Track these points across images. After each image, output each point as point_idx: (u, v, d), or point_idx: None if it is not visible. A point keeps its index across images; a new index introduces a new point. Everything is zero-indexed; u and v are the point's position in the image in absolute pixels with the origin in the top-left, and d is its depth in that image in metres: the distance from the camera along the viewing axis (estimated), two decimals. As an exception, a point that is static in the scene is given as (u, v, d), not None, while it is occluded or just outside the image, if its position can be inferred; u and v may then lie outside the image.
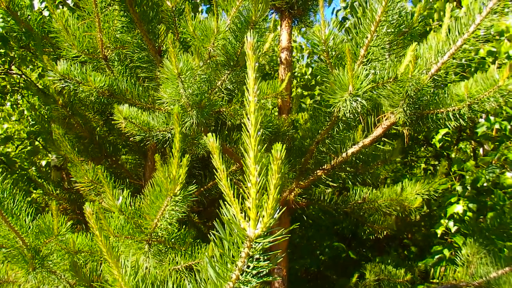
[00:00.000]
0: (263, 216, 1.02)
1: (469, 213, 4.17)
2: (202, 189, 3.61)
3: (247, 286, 1.10)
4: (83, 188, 3.30)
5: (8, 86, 7.44)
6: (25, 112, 7.89)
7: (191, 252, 2.07)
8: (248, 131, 1.04)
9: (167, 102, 2.25)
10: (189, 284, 1.24)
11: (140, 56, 2.72)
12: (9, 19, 3.44)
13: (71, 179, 4.35)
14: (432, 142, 6.25)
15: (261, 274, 1.10)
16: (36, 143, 7.27)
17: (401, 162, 7.05)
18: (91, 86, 2.71)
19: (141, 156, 4.19)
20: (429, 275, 3.77)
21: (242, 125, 1.06)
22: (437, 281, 3.36)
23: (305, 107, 6.93)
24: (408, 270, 3.78)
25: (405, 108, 2.53)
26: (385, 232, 3.78)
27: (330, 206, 3.61)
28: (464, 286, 3.18)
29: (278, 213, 1.03)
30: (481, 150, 5.54)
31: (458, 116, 2.54)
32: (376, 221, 3.72)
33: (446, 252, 3.93)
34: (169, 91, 2.15)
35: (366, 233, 3.85)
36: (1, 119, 7.96)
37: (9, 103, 7.92)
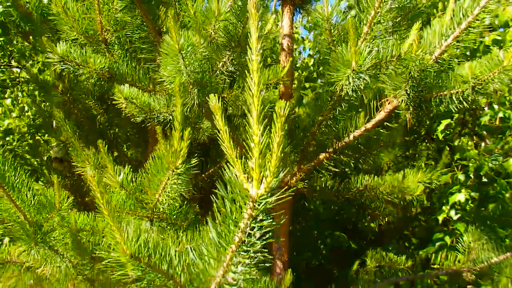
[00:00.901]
0: (266, 176, 1.00)
1: (471, 204, 4.16)
2: (203, 175, 3.59)
3: (250, 248, 1.08)
4: (84, 173, 3.28)
5: (7, 80, 7.41)
6: (26, 108, 7.87)
7: (193, 229, 2.05)
8: (251, 91, 1.02)
9: (167, 81, 2.23)
10: (191, 250, 1.22)
11: (140, 36, 2.69)
12: (8, 3, 3.42)
13: (72, 169, 4.34)
14: (434, 136, 6.24)
15: (265, 237, 1.09)
16: (37, 137, 7.26)
17: (402, 156, 7.03)
18: (91, 68, 2.69)
19: (142, 145, 4.18)
20: (430, 263, 3.76)
21: (246, 88, 1.04)
22: (438, 266, 3.34)
23: (307, 102, 6.90)
24: (409, 257, 3.76)
25: (408, 91, 2.51)
26: (386, 219, 3.77)
27: (332, 193, 3.59)
28: (465, 272, 3.17)
29: (282, 173, 1.01)
30: (482, 144, 5.52)
31: (461, 99, 2.52)
32: (378, 208, 3.71)
33: (448, 239, 3.91)
34: (169, 68, 2.13)
35: (367, 224, 3.84)
36: (2, 115, 7.94)
37: (9, 100, 7.89)
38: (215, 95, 1.07)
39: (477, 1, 2.38)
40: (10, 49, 6.78)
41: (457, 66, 2.53)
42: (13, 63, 7.10)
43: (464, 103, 2.52)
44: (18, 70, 7.31)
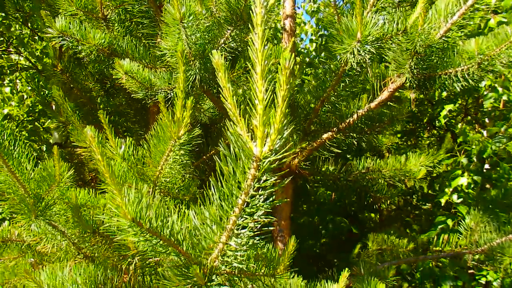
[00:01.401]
0: (271, 133, 0.96)
1: (473, 191, 4.14)
2: (204, 157, 3.56)
3: (254, 211, 1.05)
4: (84, 153, 3.24)
5: (6, 67, 7.36)
6: (25, 96, 7.83)
7: (195, 203, 2.01)
8: (254, 45, 0.98)
9: (168, 54, 2.18)
10: (194, 217, 1.19)
11: (141, 9, 2.64)
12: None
13: (73, 155, 4.30)
14: (436, 124, 6.21)
15: (268, 200, 1.05)
16: (37, 124, 7.23)
17: (404, 143, 7.00)
18: (90, 44, 2.64)
19: (143, 124, 4.14)
20: (431, 246, 3.74)
21: (249, 48, 1.00)
22: (439, 248, 3.33)
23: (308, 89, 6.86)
24: (410, 241, 3.74)
25: (413, 68, 2.47)
26: (388, 201, 3.74)
27: (334, 176, 3.57)
28: (467, 253, 3.14)
29: (287, 131, 0.98)
30: (484, 132, 5.48)
31: (466, 76, 2.48)
32: (380, 190, 3.68)
33: (450, 222, 3.89)
34: (170, 39, 2.08)
35: (370, 203, 3.81)
36: (1, 102, 7.90)
37: (8, 88, 7.85)
38: (217, 51, 1.03)
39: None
40: (8, 35, 6.72)
41: (463, 43, 2.48)
42: (12, 49, 7.04)
43: (470, 80, 2.48)
44: (16, 57, 7.25)
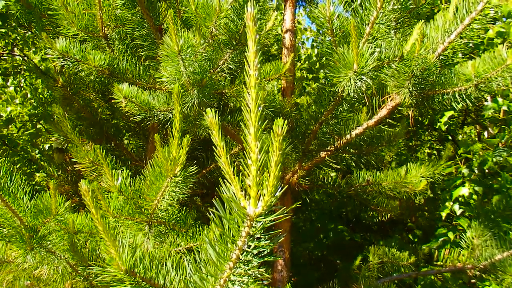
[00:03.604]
0: (264, 194, 0.98)
1: (475, 196, 4.14)
2: (204, 171, 3.58)
3: (247, 265, 1.06)
4: (84, 170, 3.26)
5: (10, 69, 7.39)
6: (28, 95, 7.85)
7: (192, 234, 2.04)
8: (248, 107, 1.00)
9: (167, 81, 2.20)
10: (188, 264, 1.20)
11: (141, 33, 2.66)
12: (9, -5, 3.38)
13: (73, 160, 4.31)
14: (437, 126, 6.21)
15: (262, 254, 1.07)
16: (39, 125, 7.24)
17: (405, 146, 7.00)
18: (90, 65, 2.66)
19: (143, 138, 4.15)
20: (433, 257, 3.75)
21: (243, 103, 1.01)
22: (441, 263, 3.33)
23: (309, 91, 6.86)
24: (412, 253, 3.75)
25: (411, 88, 2.48)
26: (388, 215, 3.75)
27: (334, 189, 3.58)
28: (468, 269, 3.15)
29: (279, 191, 0.99)
30: (485, 133, 5.49)
31: (464, 97, 2.49)
32: (380, 203, 3.69)
33: (451, 235, 3.90)
34: (169, 69, 2.10)
35: (370, 216, 3.82)
36: (4, 102, 7.92)
37: (12, 86, 7.87)
38: (211, 109, 1.04)
39: (480, -4, 2.34)
40: (13, 36, 6.73)
41: (459, 64, 2.50)
42: (16, 51, 7.06)
43: (467, 101, 2.49)
44: (21, 58, 7.27)
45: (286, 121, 0.93)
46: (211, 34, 2.52)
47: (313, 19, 2.08)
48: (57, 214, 1.77)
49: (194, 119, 2.92)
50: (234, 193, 1.01)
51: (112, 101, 2.46)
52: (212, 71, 2.50)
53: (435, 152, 7.41)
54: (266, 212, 1.00)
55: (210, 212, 1.06)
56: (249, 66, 1.00)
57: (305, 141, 2.83)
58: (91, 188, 1.13)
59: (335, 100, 2.51)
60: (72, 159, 3.43)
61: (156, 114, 2.55)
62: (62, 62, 2.74)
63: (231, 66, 2.60)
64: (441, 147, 6.85)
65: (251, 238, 1.03)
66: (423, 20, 2.10)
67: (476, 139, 6.14)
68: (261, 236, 1.03)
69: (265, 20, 2.73)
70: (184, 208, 2.03)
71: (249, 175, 0.98)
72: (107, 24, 2.96)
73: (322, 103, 2.60)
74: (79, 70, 2.76)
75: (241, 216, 1.00)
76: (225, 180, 1.03)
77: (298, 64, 7.37)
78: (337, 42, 2.17)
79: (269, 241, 1.01)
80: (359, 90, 2.04)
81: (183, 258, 1.19)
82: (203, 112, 2.73)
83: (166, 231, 1.97)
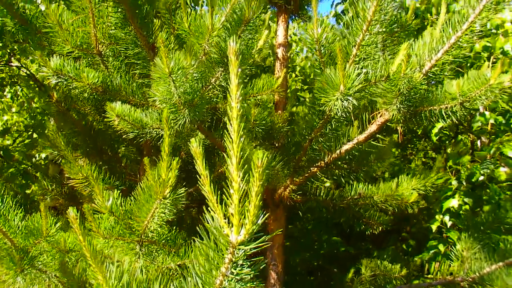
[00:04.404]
0: (246, 223, 1.02)
1: (465, 207, 4.18)
2: (197, 185, 3.59)
3: (232, 291, 1.10)
4: (77, 185, 3.29)
5: (7, 78, 7.42)
6: (25, 104, 7.88)
7: (182, 254, 2.07)
8: (231, 137, 1.04)
9: (159, 101, 2.24)
10: (175, 288, 1.24)
11: (134, 52, 2.71)
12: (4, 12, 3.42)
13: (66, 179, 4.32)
14: (430, 135, 6.26)
15: (245, 280, 1.11)
16: (35, 135, 7.26)
17: (399, 156, 7.05)
18: (84, 83, 2.70)
19: (137, 152, 4.18)
20: (425, 269, 3.79)
21: (225, 135, 1.05)
22: (432, 276, 3.37)
23: (303, 101, 6.90)
24: (404, 265, 3.78)
25: (399, 106, 2.53)
26: (380, 228, 3.79)
27: (326, 202, 3.61)
28: (458, 282, 3.19)
29: (261, 219, 1.03)
30: (478, 142, 5.54)
31: (450, 114, 2.54)
32: (372, 216, 3.73)
33: (441, 247, 3.94)
34: (161, 89, 2.14)
35: (362, 229, 3.86)
36: (1, 111, 7.94)
37: (9, 95, 7.89)
38: (196, 139, 1.09)
39: (466, 15, 2.40)
40: (10, 47, 6.77)
41: (445, 82, 2.55)
42: (14, 61, 7.09)
43: (453, 117, 2.55)
44: (18, 68, 7.30)
45: (265, 154, 0.97)
46: (204, 51, 2.57)
47: (304, 40, 2.13)
48: (47, 235, 1.80)
49: (187, 135, 2.96)
50: (217, 221, 1.05)
51: (105, 119, 2.50)
52: (204, 89, 2.54)
53: (430, 161, 7.47)
54: (249, 239, 1.04)
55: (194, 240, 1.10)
56: (231, 98, 1.04)
57: (296, 157, 2.88)
58: (84, 209, 1.17)
59: (323, 119, 2.56)
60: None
61: (149, 131, 2.59)
62: (56, 80, 2.78)
63: (223, 84, 2.64)
64: (436, 155, 6.91)
65: (234, 265, 1.07)
66: (408, 42, 2.15)
67: (470, 146, 6.19)
68: (244, 263, 1.07)
69: (256, 40, 2.78)
70: (174, 228, 2.07)
71: (231, 204, 1.02)
72: (101, 41, 3.01)
73: (312, 122, 2.64)
74: (73, 87, 2.80)
75: (224, 244, 1.04)
76: (208, 208, 1.08)
77: (293, 75, 7.42)
78: (325, 63, 2.22)
79: (250, 268, 1.05)
80: (346, 110, 2.09)
81: (170, 283, 1.22)
82: (196, 128, 2.78)
83: (157, 249, 2.00)
